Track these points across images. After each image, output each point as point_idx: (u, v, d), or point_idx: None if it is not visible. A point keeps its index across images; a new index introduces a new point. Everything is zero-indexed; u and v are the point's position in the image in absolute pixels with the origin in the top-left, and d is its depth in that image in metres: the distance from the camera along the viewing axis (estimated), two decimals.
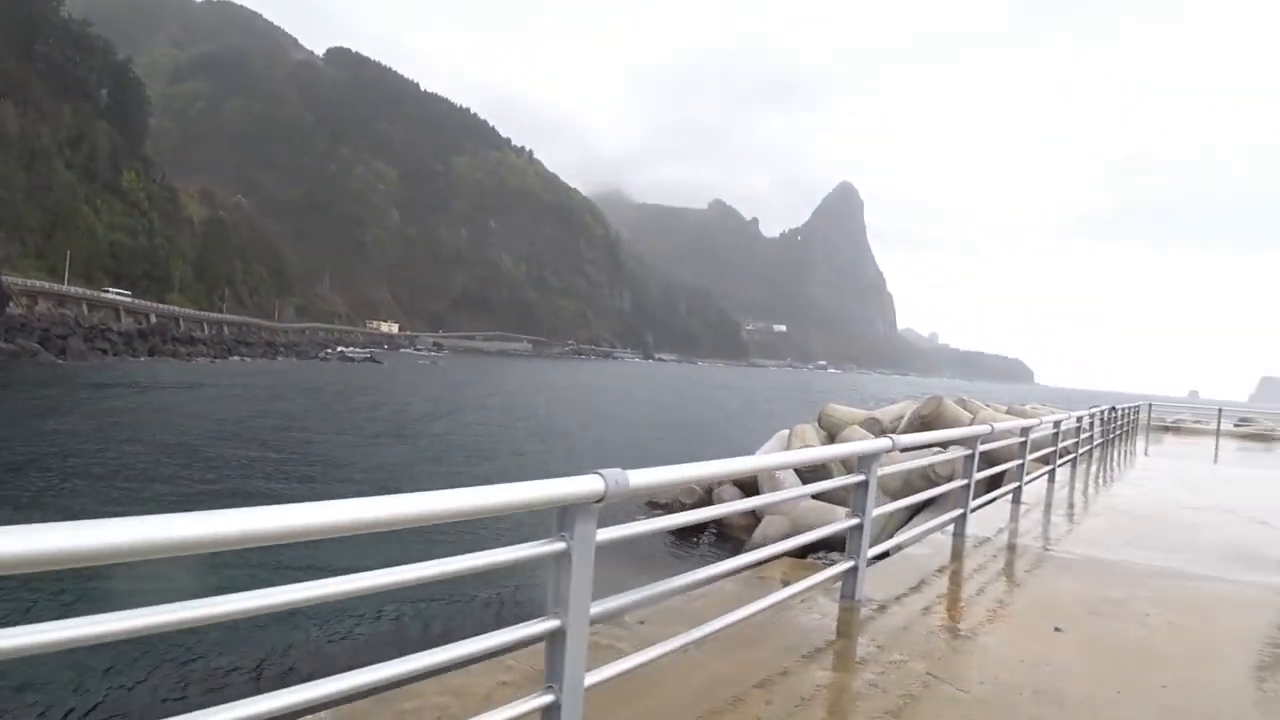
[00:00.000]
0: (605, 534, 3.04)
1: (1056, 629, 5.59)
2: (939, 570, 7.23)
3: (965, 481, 8.17)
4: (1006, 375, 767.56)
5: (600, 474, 2.83)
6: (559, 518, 2.85)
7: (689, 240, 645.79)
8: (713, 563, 4.24)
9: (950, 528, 8.40)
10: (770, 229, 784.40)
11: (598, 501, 2.82)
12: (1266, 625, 6.47)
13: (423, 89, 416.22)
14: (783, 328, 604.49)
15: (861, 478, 5.54)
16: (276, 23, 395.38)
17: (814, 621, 5.41)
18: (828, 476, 8.91)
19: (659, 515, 3.81)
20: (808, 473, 15.09)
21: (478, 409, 54.50)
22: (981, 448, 8.32)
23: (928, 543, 8.20)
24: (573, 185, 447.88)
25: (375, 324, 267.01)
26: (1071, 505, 11.80)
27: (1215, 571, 7.91)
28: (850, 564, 5.66)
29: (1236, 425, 35.15)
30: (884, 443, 5.61)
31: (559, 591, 2.87)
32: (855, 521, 5.58)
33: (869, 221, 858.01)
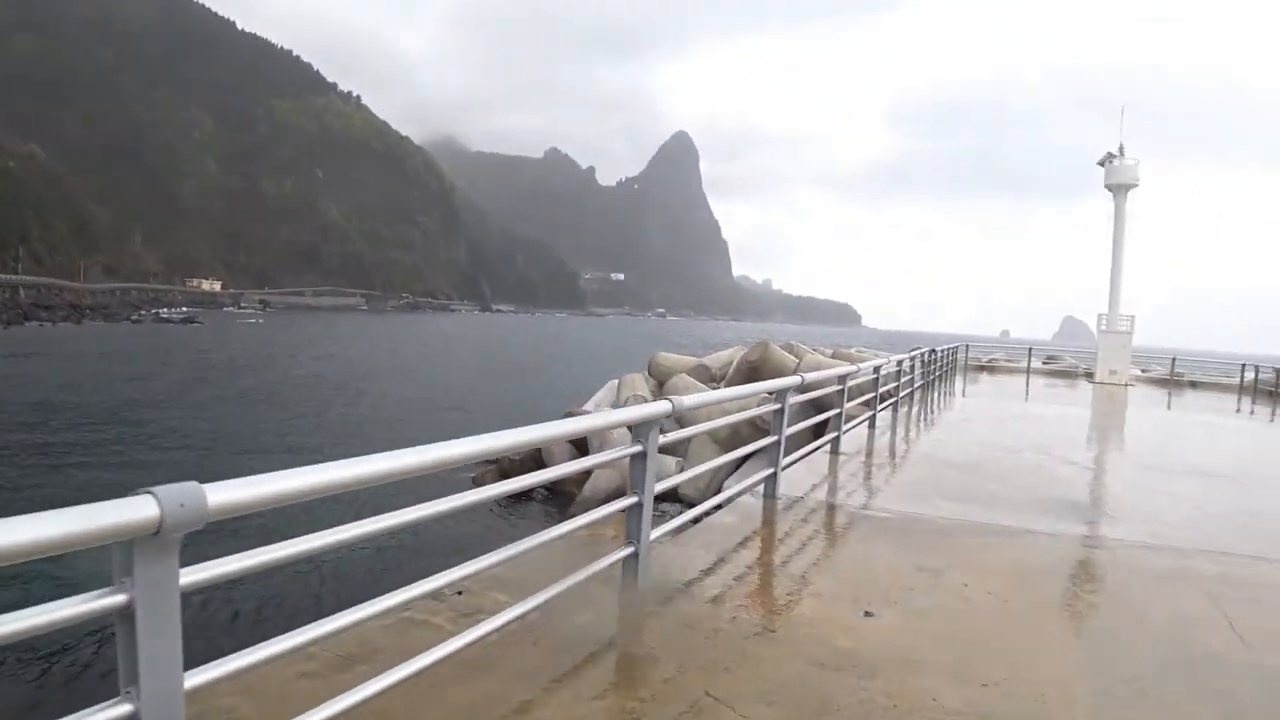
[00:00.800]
0: (192, 575, 2.12)
1: (867, 613, 4.84)
2: (743, 542, 6.40)
3: (775, 438, 7.41)
4: (836, 319, 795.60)
5: (153, 493, 1.89)
6: (120, 558, 1.94)
7: (526, 189, 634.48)
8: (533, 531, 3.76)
9: (761, 488, 7.65)
10: (607, 178, 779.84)
11: (154, 534, 1.89)
12: (1085, 588, 6.00)
13: (240, 27, 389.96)
14: (620, 276, 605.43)
15: (638, 448, 4.63)
16: None
17: (585, 623, 4.43)
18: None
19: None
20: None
21: (293, 371, 51.35)
22: (794, 400, 7.57)
23: (737, 507, 7.40)
24: (404, 133, 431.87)
25: (196, 282, 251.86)
26: (892, 453, 11.38)
27: (1031, 523, 7.47)
28: (630, 549, 4.73)
29: (1045, 363, 36.92)
30: (663, 406, 4.66)
31: (129, 661, 1.95)
32: (634, 500, 4.67)
33: (704, 170, 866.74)
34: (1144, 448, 14.71)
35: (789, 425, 7.53)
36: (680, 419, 4.79)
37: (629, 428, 4.69)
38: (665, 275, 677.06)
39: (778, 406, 7.31)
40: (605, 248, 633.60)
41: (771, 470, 7.48)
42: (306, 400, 36.56)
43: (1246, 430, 19.25)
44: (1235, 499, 9.60)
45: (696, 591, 5.09)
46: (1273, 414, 22.90)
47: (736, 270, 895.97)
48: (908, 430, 13.82)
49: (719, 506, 6.98)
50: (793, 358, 22.22)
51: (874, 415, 12.44)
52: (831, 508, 7.74)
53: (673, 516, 5.92)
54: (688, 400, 5.04)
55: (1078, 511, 8.18)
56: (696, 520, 6.51)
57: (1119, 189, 29.53)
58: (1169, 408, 23.91)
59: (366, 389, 42.07)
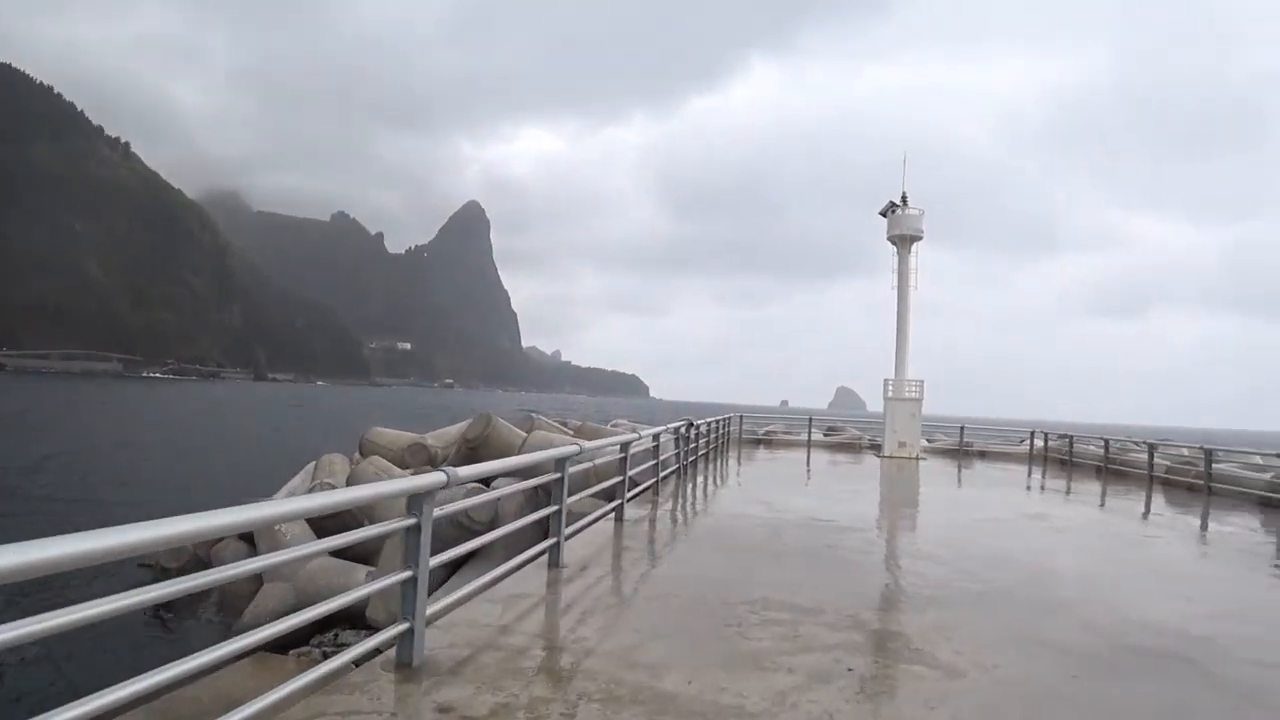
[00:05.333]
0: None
1: None
2: None
3: None
4: (625, 390, 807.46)
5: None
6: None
7: (310, 252, 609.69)
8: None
9: None
10: (396, 245, 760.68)
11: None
12: None
13: None
14: (407, 345, 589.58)
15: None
16: None
17: None
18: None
19: None
20: (331, 519, 10.99)
21: None
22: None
23: None
24: (178, 186, 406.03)
25: None
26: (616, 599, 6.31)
27: None
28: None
29: (826, 434, 33.87)
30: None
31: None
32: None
33: (495, 242, 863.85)
34: (974, 563, 9.59)
35: None
36: None
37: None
38: (454, 345, 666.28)
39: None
40: (393, 316, 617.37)
41: None
42: None
43: (1082, 520, 14.75)
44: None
45: None
46: (1068, 487, 19.92)
47: (526, 341, 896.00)
48: (651, 547, 8.99)
49: None
50: (521, 433, 17.87)
51: (558, 544, 7.40)
52: None
53: None
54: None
55: None
56: None
57: (902, 240, 26.70)
58: (975, 484, 20.50)
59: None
